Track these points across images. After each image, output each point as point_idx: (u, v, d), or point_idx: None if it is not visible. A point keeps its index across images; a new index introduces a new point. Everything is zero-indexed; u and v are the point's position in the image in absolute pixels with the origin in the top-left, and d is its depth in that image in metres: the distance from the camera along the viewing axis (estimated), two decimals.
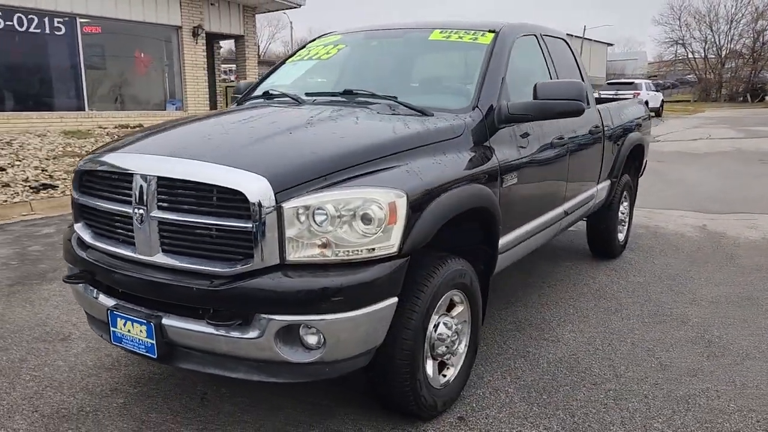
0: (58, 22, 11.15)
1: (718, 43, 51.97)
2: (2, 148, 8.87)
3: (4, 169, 8.02)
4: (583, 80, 4.37)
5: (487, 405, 2.86)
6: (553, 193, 3.70)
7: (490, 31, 3.41)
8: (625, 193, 5.32)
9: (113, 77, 12.73)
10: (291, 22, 40.94)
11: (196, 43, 13.29)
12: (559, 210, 3.82)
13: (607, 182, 4.81)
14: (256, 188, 2.13)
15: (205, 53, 13.60)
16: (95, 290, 2.57)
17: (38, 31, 10.87)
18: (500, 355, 3.39)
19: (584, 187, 4.27)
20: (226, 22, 14.38)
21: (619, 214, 5.26)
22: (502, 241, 3.10)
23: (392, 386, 2.50)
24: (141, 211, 2.33)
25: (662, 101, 28.17)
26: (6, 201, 7.11)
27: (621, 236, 5.38)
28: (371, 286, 2.23)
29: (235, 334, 2.21)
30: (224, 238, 2.22)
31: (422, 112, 2.89)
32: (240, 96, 3.78)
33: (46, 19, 10.98)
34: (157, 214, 2.31)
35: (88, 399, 2.87)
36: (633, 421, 2.73)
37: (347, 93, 3.19)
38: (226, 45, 18.41)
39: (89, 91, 11.78)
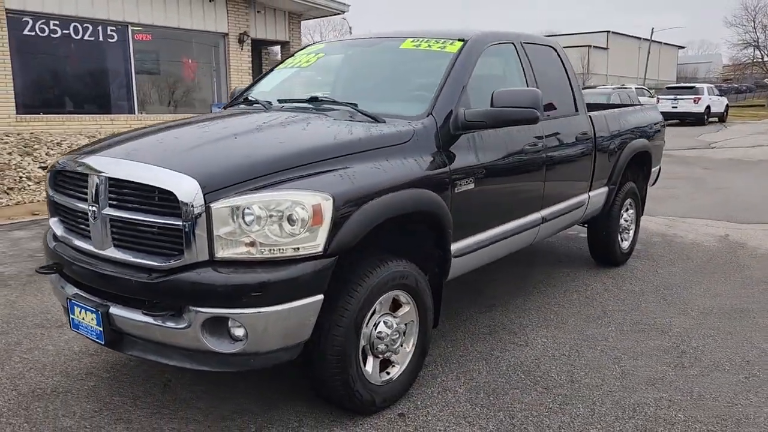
0: (111, 30, 11.83)
1: None
2: (52, 149, 9.52)
3: (46, 168, 8.60)
4: (572, 88, 4.37)
5: (431, 403, 2.94)
6: (525, 199, 3.72)
7: (459, 40, 3.48)
8: (629, 200, 5.24)
9: (162, 82, 13.38)
10: (351, 27, 41.56)
11: (242, 49, 13.78)
12: (535, 216, 3.83)
13: (604, 189, 4.76)
14: (186, 188, 2.31)
15: (250, 58, 14.08)
16: (63, 281, 2.82)
17: (92, 38, 11.57)
18: (463, 357, 3.45)
19: (570, 194, 4.26)
20: (271, 29, 14.84)
21: (622, 221, 5.19)
22: (458, 245, 3.17)
23: (325, 380, 2.62)
24: (94, 208, 2.55)
25: (727, 106, 26.98)
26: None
27: (625, 244, 5.30)
28: (294, 283, 2.36)
29: (168, 324, 2.39)
30: (161, 234, 2.41)
31: (375, 119, 3.00)
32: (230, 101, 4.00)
33: (100, 28, 11.67)
34: (107, 211, 2.52)
35: (64, 381, 3.12)
36: (571, 426, 2.75)
37: (313, 100, 3.34)
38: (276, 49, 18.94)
39: (139, 95, 12.43)
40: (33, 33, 10.84)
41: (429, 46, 3.50)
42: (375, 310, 2.74)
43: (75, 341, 3.60)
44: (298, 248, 2.37)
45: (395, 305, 2.89)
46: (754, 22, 51.75)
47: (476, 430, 2.72)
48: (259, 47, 16.23)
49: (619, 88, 23.26)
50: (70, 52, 11.50)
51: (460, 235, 3.19)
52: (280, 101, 3.48)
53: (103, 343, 2.56)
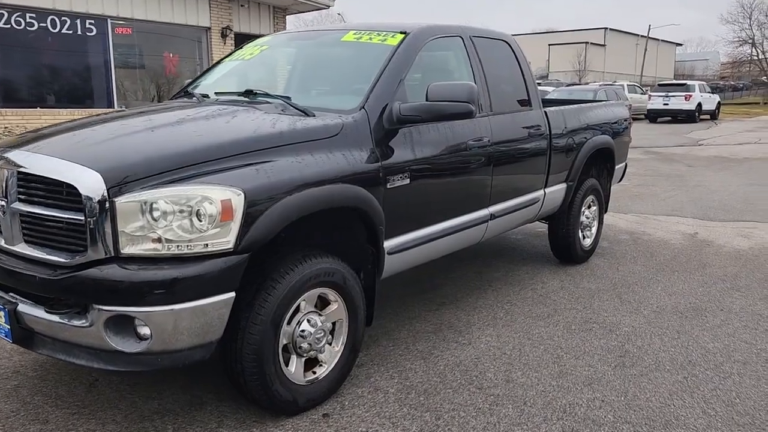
0: (90, 24, 11.73)
1: None
2: None
3: None
4: (525, 83, 4.30)
5: (359, 404, 2.88)
6: (470, 196, 3.66)
7: (400, 33, 3.41)
8: (591, 197, 5.18)
9: (143, 76, 13.28)
10: (344, 23, 41.19)
11: (225, 43, 13.69)
12: (482, 213, 3.77)
13: (562, 186, 4.70)
14: (89, 182, 2.25)
15: None
16: None
17: (70, 32, 11.47)
18: (402, 356, 3.39)
19: (522, 190, 4.19)
20: (255, 23, 14.74)
21: (583, 218, 5.13)
22: (392, 242, 3.11)
23: (243, 380, 2.56)
24: (3, 202, 2.48)
25: (719, 103, 26.94)
26: None
27: (587, 241, 5.24)
28: (201, 280, 2.30)
29: (73, 322, 2.33)
30: (68, 230, 2.35)
31: (305, 112, 2.93)
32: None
33: (78, 21, 11.57)
34: (16, 206, 2.45)
35: None
36: (496, 427, 2.70)
37: (248, 93, 3.27)
38: None
39: (119, 90, 12.34)
40: (8, 26, 10.74)
41: (370, 38, 3.43)
42: (299, 307, 2.69)
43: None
44: (207, 245, 2.31)
45: (323, 303, 2.83)
46: (750, 19, 51.72)
47: (399, 431, 2.66)
48: (242, 42, 16.14)
49: (606, 84, 23.20)
50: (48, 45, 11.40)
51: (395, 231, 3.13)
52: (216, 94, 3.42)
53: (11, 341, 2.49)
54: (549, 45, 60.91)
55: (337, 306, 2.85)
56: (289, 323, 2.65)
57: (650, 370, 3.24)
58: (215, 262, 2.32)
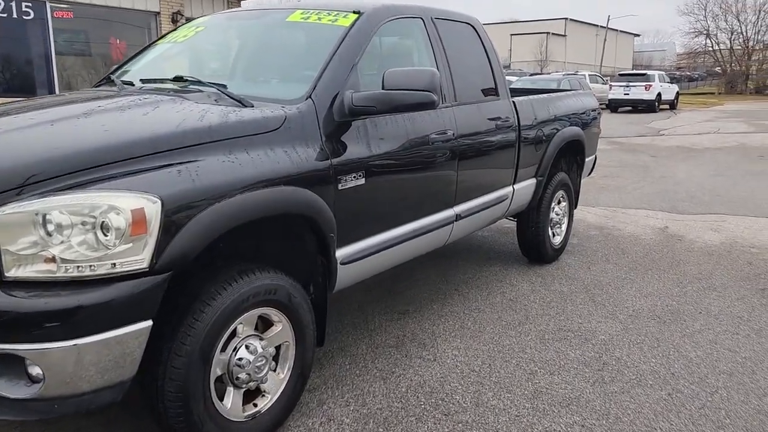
0: (27, 7, 10.94)
1: (745, 34, 50.41)
2: None
3: None
4: (492, 70, 3.96)
5: None
6: (433, 195, 3.30)
7: (353, 12, 3.02)
8: (561, 192, 4.89)
9: (88, 63, 12.53)
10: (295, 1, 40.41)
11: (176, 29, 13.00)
12: (447, 213, 3.42)
13: (532, 181, 4.38)
14: None
15: None
16: None
17: (5, 15, 10.67)
18: (360, 377, 3.02)
19: (490, 187, 3.86)
20: (208, 7, 14.07)
21: (553, 215, 4.84)
22: (345, 251, 2.74)
23: (168, 422, 2.16)
24: None
25: (677, 93, 27.24)
26: None
27: (557, 239, 4.95)
28: (108, 308, 1.88)
29: None
30: None
31: (242, 103, 2.52)
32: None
33: (14, 3, 10.78)
34: None
35: None
36: None
37: (177, 79, 2.84)
38: None
39: (61, 77, 11.58)
40: None
41: (319, 18, 3.03)
42: (236, 331, 2.30)
43: None
44: (115, 264, 1.89)
45: (265, 324, 2.45)
46: (705, 10, 52.73)
47: None
48: None
49: (569, 74, 23.16)
50: None
51: (350, 238, 2.75)
52: (142, 81, 2.97)
53: None
54: (511, 35, 61.10)
55: (281, 327, 2.46)
56: (223, 351, 2.26)
57: (631, 385, 2.95)
58: (126, 286, 1.91)
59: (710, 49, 54.05)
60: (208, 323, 2.14)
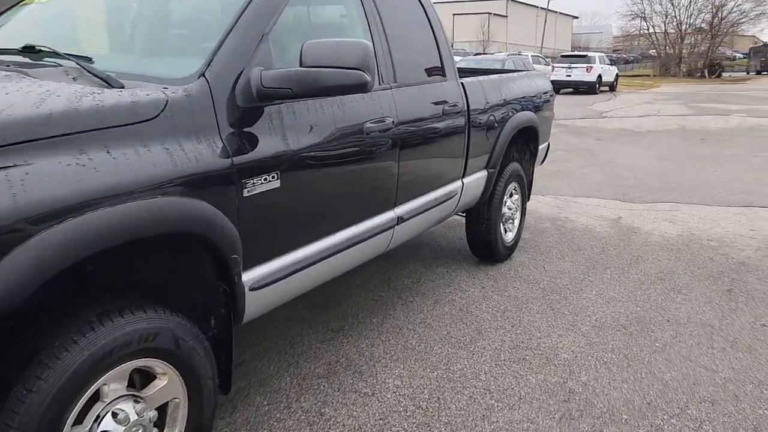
0: None
1: (678, 17, 51.64)
2: None
3: None
4: (438, 46, 3.41)
5: None
6: (369, 197, 2.75)
7: None
8: (513, 185, 4.42)
9: None
10: None
11: None
12: (386, 217, 2.88)
13: (483, 174, 3.88)
14: None
15: None
16: None
17: None
18: (281, 422, 2.47)
19: (436, 183, 3.34)
20: None
21: (505, 209, 4.37)
22: (257, 273, 2.16)
23: None
24: None
25: (617, 75, 27.51)
26: None
27: (509, 236, 4.49)
28: None
29: None
30: None
31: (107, 82, 1.88)
32: None
33: None
34: None
35: None
36: None
37: (27, 50, 2.17)
38: None
39: None
40: None
41: None
42: (100, 394, 1.69)
43: None
44: None
45: (145, 377, 1.85)
46: None
47: None
48: None
49: (513, 54, 22.96)
50: None
51: (261, 257, 2.17)
52: None
53: None
54: (453, 14, 60.81)
55: (166, 381, 1.87)
56: (78, 424, 1.65)
57: (604, 422, 2.50)
58: None
59: (645, 32, 55.22)
60: (51, 391, 1.53)
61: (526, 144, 4.61)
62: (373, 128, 2.65)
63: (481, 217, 4.14)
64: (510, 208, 4.43)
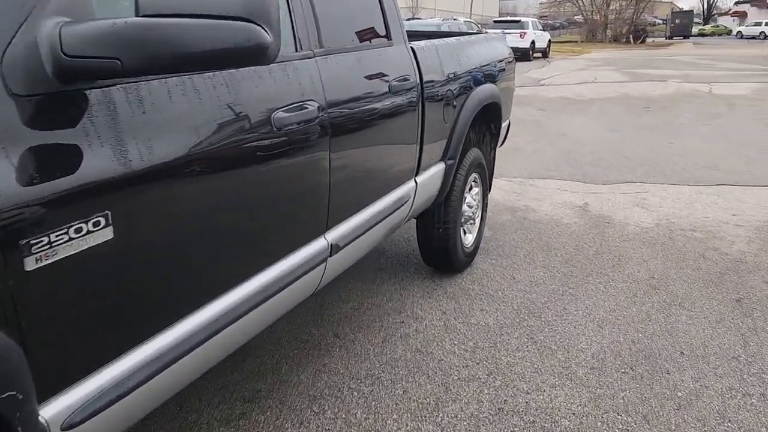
0: None
1: None
2: None
3: None
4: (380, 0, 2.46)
5: None
6: (281, 225, 1.80)
7: None
8: (474, 176, 3.56)
9: None
10: None
11: None
12: (313, 249, 1.95)
13: (439, 167, 3.00)
14: None
15: None
16: None
17: None
18: None
19: (381, 189, 2.42)
20: None
21: (465, 208, 3.51)
22: (67, 402, 1.19)
23: None
24: None
25: (549, 41, 27.16)
26: None
27: (469, 239, 3.65)
28: None
29: None
30: None
31: None
32: None
33: None
34: None
35: None
36: None
37: None
38: None
39: None
40: None
41: None
42: None
43: None
44: None
45: None
46: None
47: None
48: None
49: (447, 20, 22.08)
50: None
51: (79, 371, 1.20)
52: None
53: None
54: None
55: None
56: None
57: None
58: None
59: None
60: None
61: (485, 124, 3.74)
62: (287, 119, 1.69)
63: (437, 220, 3.26)
64: (470, 206, 3.57)
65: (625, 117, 9.86)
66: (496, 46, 3.85)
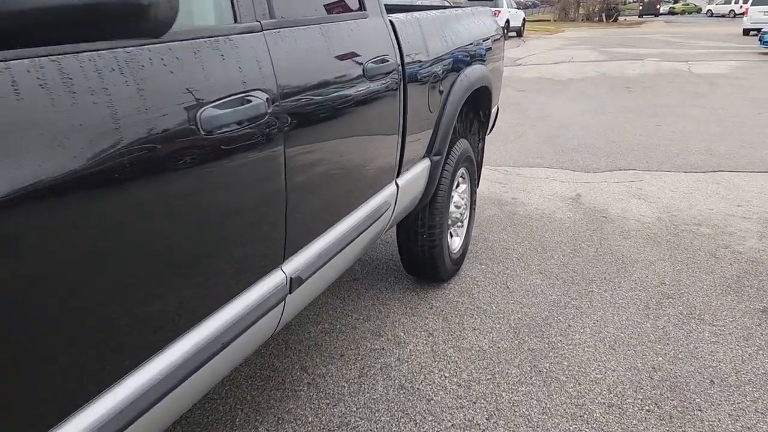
0: None
1: None
2: None
3: None
4: None
5: None
6: (217, 264, 1.32)
7: None
8: (461, 171, 3.10)
9: None
10: None
11: None
12: (266, 286, 1.46)
13: (423, 165, 2.53)
14: None
15: None
16: None
17: None
18: None
19: (354, 200, 1.94)
20: None
21: (453, 208, 3.06)
22: None
23: None
24: None
25: (524, 20, 26.71)
26: None
27: (456, 243, 3.20)
28: None
29: None
30: None
31: None
32: None
33: None
34: None
35: None
36: None
37: None
38: None
39: None
40: None
41: None
42: None
43: None
44: None
45: None
46: None
47: None
48: None
49: None
50: None
51: None
52: None
53: None
54: None
55: None
56: None
57: None
58: None
59: None
60: None
61: (474, 111, 3.28)
62: (220, 119, 1.19)
63: (420, 225, 2.80)
64: (458, 206, 3.12)
65: (606, 98, 9.48)
66: (484, 21, 3.37)
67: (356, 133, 1.84)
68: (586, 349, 2.53)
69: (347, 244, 1.85)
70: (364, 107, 1.86)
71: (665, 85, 10.79)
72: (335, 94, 1.68)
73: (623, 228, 3.91)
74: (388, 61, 1.98)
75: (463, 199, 3.16)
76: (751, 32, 21.99)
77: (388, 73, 1.98)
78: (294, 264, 1.57)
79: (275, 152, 1.39)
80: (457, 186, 3.13)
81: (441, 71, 2.48)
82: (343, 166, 1.80)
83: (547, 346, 2.56)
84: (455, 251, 3.15)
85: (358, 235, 1.93)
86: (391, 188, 2.19)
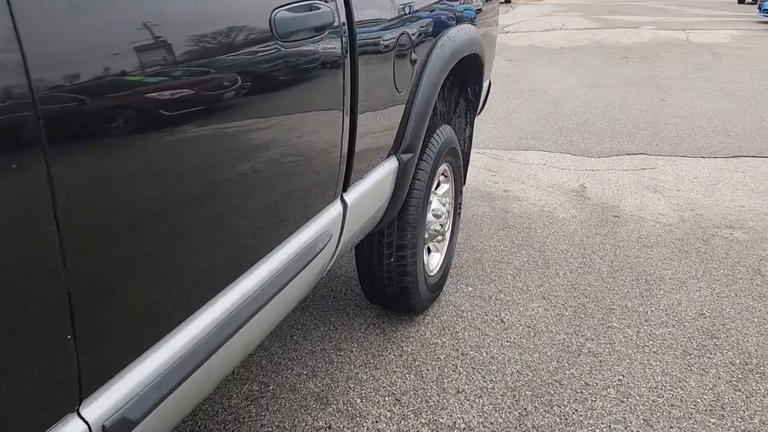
0: None
1: None
2: None
3: None
4: None
5: None
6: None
7: None
8: (443, 168, 2.32)
9: None
10: None
11: None
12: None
13: (388, 168, 1.75)
14: None
15: None
16: None
17: None
18: None
19: (264, 245, 1.16)
20: None
21: (431, 218, 2.29)
22: None
23: None
24: None
25: None
26: None
27: (435, 260, 2.45)
28: None
29: None
30: None
31: None
32: None
33: None
34: None
35: None
36: None
37: None
38: None
39: None
40: None
41: None
42: None
43: None
44: None
45: None
46: None
47: None
48: None
49: None
50: None
51: None
52: None
53: None
54: None
55: None
56: None
57: None
58: None
59: None
60: None
61: (460, 86, 2.49)
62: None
63: (387, 245, 2.04)
64: (438, 215, 2.35)
65: (604, 68, 8.70)
66: None
67: (280, 123, 1.06)
68: (613, 426, 1.82)
69: (265, 304, 1.08)
70: (269, 92, 1.07)
71: (665, 54, 10.02)
72: (254, 65, 0.89)
73: (641, 232, 3.19)
74: (319, 8, 1.19)
75: (445, 205, 2.39)
76: (746, 1, 21.24)
77: (320, 29, 1.19)
78: (103, 403, 0.80)
79: (37, 187, 0.61)
80: (437, 187, 2.36)
81: (414, 32, 1.69)
82: (245, 191, 1.02)
83: (558, 420, 1.84)
84: (433, 273, 2.41)
85: (279, 291, 1.16)
86: (332, 211, 1.42)
